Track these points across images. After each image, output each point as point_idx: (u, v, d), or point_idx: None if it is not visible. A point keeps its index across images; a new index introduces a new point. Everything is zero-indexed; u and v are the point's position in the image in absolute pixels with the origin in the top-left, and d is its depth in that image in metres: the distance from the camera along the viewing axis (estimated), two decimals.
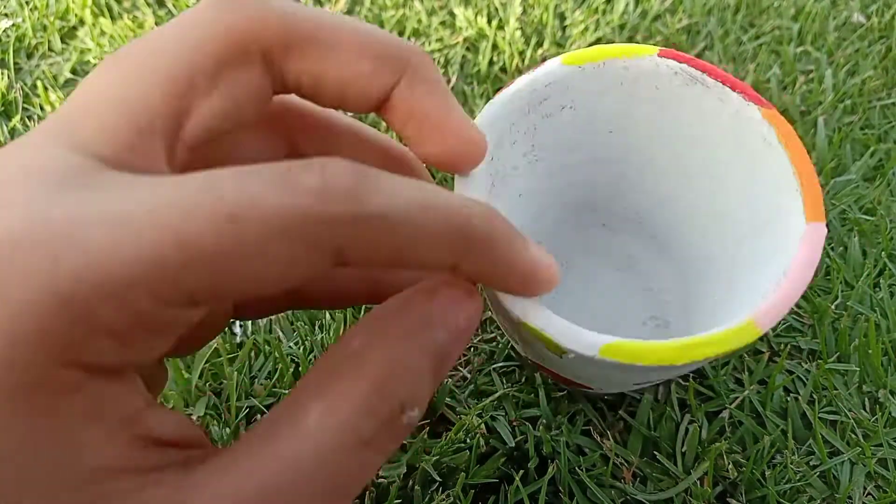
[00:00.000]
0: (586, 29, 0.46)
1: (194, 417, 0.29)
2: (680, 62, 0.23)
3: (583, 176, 0.29)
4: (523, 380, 0.30)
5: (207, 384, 0.30)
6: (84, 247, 0.10)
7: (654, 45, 0.46)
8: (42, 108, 0.41)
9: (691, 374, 0.30)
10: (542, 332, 0.17)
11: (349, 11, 0.48)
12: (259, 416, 0.29)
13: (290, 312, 0.32)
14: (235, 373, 0.29)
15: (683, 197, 0.28)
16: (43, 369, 0.10)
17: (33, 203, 0.10)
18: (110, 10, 0.47)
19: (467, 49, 0.45)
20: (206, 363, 0.30)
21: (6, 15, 0.47)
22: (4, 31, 0.46)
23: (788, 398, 0.30)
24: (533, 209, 0.28)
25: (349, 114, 0.17)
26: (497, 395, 0.29)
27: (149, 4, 0.48)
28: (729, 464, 0.28)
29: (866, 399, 0.30)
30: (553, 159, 0.27)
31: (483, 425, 0.28)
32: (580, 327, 0.18)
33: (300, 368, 0.30)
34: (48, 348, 0.10)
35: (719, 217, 0.26)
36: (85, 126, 0.12)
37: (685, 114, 0.24)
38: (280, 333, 0.31)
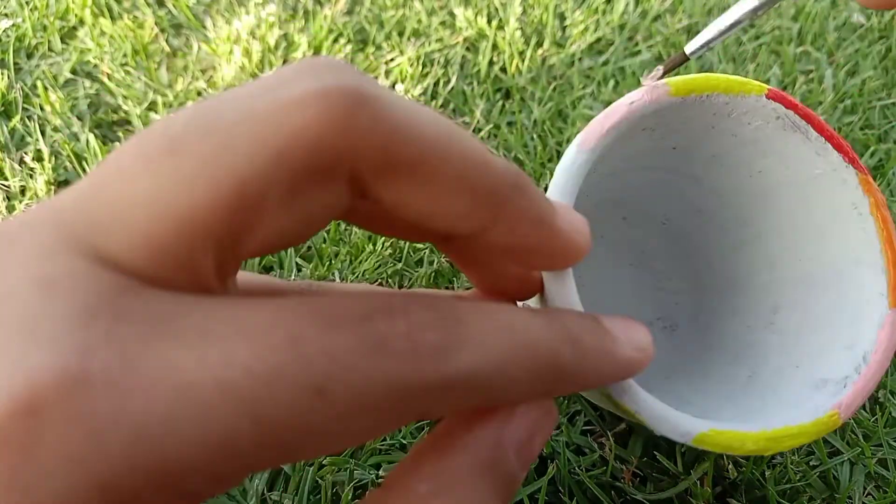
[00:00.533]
0: (586, 29, 0.46)
1: None
2: (787, 108, 0.22)
3: (625, 178, 0.28)
4: None
5: None
6: (135, 424, 0.08)
7: (654, 45, 0.46)
8: (42, 108, 0.41)
9: None
10: (636, 414, 0.16)
11: (349, 12, 0.48)
12: None
13: None
14: None
15: (721, 215, 0.27)
16: None
17: (60, 342, 0.08)
18: (110, 10, 0.47)
19: (467, 49, 0.45)
20: None
21: (6, 15, 0.47)
22: (4, 31, 0.46)
23: None
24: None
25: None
26: None
27: (149, 4, 0.48)
28: (729, 464, 0.28)
29: (866, 399, 0.30)
30: (605, 165, 0.27)
31: None
32: (674, 410, 0.17)
33: None
34: None
35: (759, 249, 0.26)
36: (116, 231, 0.09)
37: (769, 155, 0.24)
38: None
